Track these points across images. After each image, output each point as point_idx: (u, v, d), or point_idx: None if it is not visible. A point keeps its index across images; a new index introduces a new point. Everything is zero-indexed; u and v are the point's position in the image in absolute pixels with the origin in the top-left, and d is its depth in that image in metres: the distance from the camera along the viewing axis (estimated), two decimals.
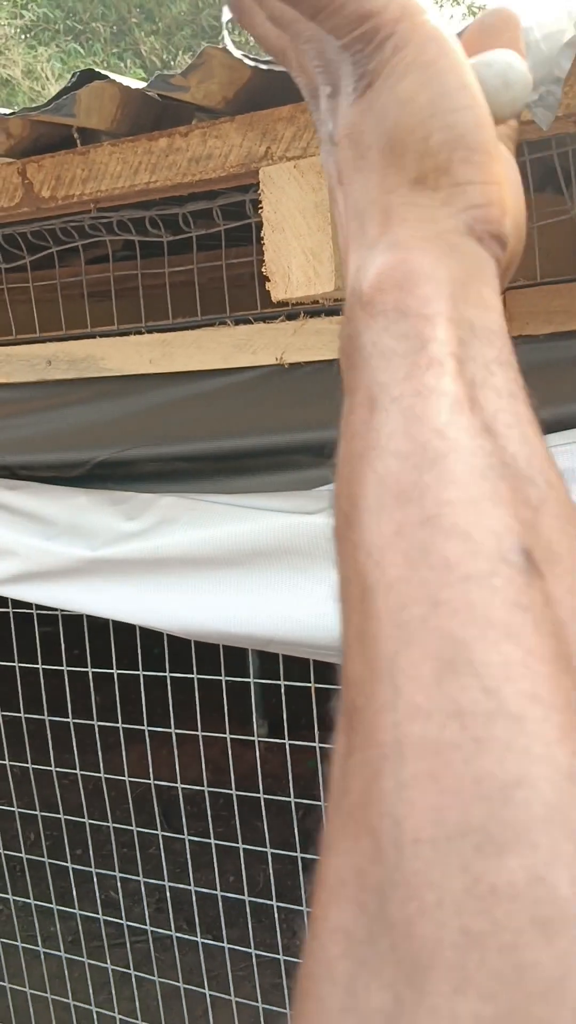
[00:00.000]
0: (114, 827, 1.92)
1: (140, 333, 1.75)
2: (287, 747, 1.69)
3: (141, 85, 1.05)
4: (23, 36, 11.52)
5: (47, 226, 1.70)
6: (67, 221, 1.68)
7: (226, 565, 1.52)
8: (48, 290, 1.89)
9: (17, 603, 1.84)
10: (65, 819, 1.96)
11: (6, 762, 1.93)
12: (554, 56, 0.88)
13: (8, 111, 1.09)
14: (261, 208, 1.09)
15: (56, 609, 1.72)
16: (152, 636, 1.73)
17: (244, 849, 1.81)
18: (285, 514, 1.47)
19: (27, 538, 1.68)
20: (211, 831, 1.86)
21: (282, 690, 1.67)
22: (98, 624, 1.80)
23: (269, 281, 1.10)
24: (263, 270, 1.10)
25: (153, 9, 12.25)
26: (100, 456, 1.77)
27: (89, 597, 1.63)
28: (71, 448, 1.80)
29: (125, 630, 1.75)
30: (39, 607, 1.80)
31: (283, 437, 1.62)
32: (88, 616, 1.77)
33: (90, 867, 1.94)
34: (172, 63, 11.64)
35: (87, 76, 1.03)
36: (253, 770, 1.92)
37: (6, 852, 2.02)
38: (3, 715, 1.88)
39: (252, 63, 0.96)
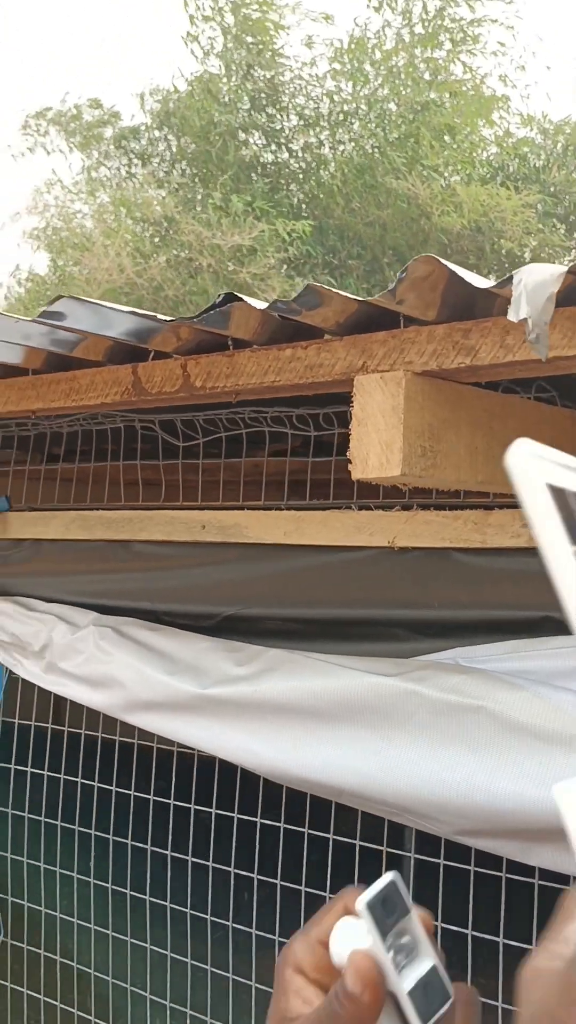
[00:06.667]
0: None
1: (280, 509, 2.03)
2: None
3: (263, 306, 1.35)
4: (283, 267, 12.91)
5: (207, 415, 2.05)
6: (216, 413, 2.02)
7: (309, 715, 1.68)
8: (212, 469, 2.23)
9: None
10: None
11: None
12: (543, 305, 1.10)
13: (183, 319, 1.43)
14: (351, 406, 1.34)
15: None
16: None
17: None
18: (369, 674, 1.63)
19: (154, 672, 1.92)
20: None
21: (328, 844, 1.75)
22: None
23: (351, 463, 1.34)
24: (348, 454, 1.34)
25: (405, 253, 13.47)
26: (228, 611, 2.02)
27: (194, 731, 1.83)
28: (207, 601, 2.06)
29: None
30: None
31: (386, 611, 1.81)
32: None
33: None
34: None
35: (230, 298, 1.35)
36: None
37: None
38: None
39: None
